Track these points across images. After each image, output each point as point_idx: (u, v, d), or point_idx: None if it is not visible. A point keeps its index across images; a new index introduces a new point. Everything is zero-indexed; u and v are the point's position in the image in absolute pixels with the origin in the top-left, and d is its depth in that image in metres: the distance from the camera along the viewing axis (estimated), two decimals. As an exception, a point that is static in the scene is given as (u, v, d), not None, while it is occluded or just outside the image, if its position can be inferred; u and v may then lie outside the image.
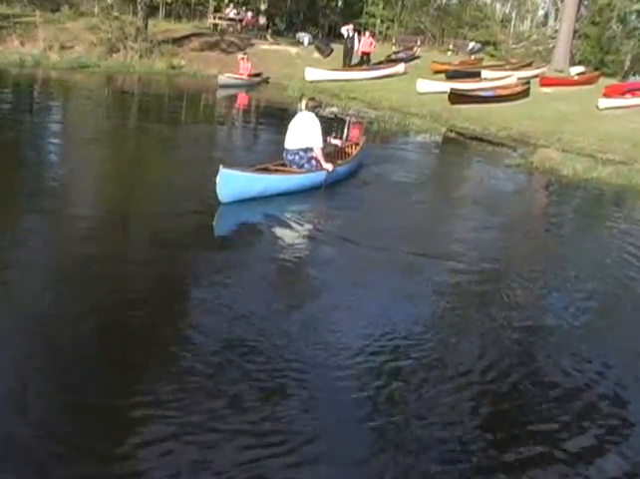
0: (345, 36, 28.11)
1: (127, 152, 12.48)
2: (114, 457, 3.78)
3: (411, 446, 4.19)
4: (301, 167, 9.79)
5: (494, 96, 22.38)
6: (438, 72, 26.53)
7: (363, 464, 4.02)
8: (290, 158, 9.83)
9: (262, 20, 36.23)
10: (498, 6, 53.82)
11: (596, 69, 35.74)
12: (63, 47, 24.54)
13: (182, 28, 31.27)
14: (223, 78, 23.27)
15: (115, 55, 25.29)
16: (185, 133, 14.66)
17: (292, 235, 8.15)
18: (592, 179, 13.30)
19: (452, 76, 25.33)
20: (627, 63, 42.38)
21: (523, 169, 14.04)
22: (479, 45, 39.41)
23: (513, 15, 52.55)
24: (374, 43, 29.48)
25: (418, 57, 31.57)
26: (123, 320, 5.43)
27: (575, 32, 35.19)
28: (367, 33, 30.45)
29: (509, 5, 53.12)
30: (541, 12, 53.73)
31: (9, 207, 7.93)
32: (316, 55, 29.81)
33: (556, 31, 37.73)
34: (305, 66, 26.10)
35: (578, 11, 34.33)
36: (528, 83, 23.80)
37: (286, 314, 5.82)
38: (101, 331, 5.18)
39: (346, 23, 30.68)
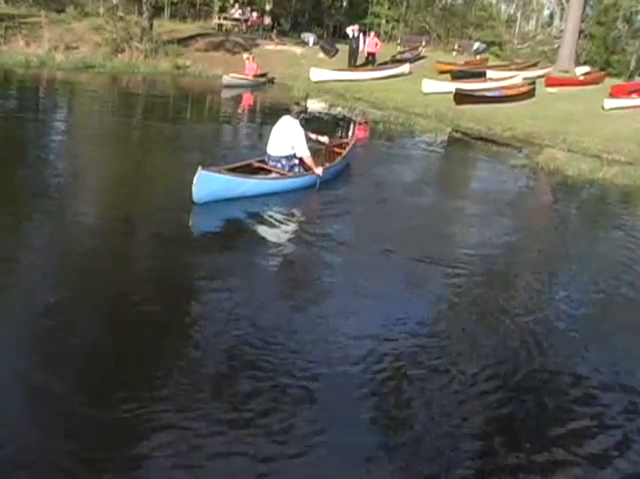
0: (350, 36, 28.12)
1: (130, 150, 12.49)
2: (116, 463, 3.80)
3: (417, 450, 4.20)
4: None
5: (500, 96, 22.36)
6: (443, 72, 26.49)
7: (369, 465, 4.03)
8: (272, 164, 9.83)
9: (267, 20, 36.24)
10: (504, 6, 53.82)
11: (602, 69, 35.69)
12: (68, 47, 24.55)
13: (187, 28, 31.27)
14: (228, 78, 23.27)
15: (120, 55, 25.29)
16: (189, 132, 14.68)
17: (295, 237, 8.13)
18: (598, 179, 13.29)
19: (457, 76, 25.30)
20: (633, 63, 42.25)
21: (529, 169, 14.03)
22: (484, 45, 39.35)
23: (519, 15, 52.44)
24: (379, 43, 29.45)
25: (423, 57, 31.52)
26: (127, 321, 5.45)
27: (581, 32, 35.14)
28: (372, 33, 30.45)
29: (515, 5, 53.05)
30: (547, 12, 53.68)
31: (13, 204, 7.97)
32: (321, 55, 29.80)
33: (562, 31, 37.66)
34: (310, 66, 26.10)
35: (584, 11, 34.29)
36: (534, 83, 23.76)
37: (291, 317, 5.81)
38: (105, 334, 5.19)
39: (351, 23, 30.72)
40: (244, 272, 6.69)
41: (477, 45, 38.81)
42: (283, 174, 9.74)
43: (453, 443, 4.27)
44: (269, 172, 9.78)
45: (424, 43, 35.35)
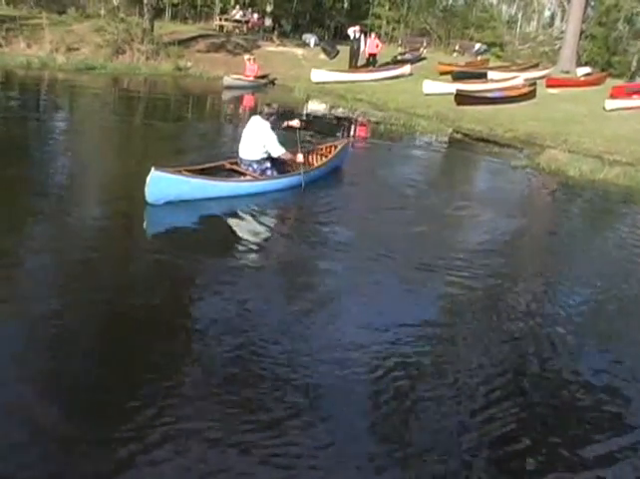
0: (351, 37, 28.11)
1: (130, 150, 12.55)
2: (122, 461, 3.80)
3: (425, 456, 4.18)
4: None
5: (501, 97, 22.36)
6: (444, 73, 26.50)
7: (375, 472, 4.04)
8: (244, 168, 9.65)
9: (268, 22, 36.31)
10: (505, 7, 53.83)
11: (603, 70, 35.75)
12: (69, 49, 24.59)
13: (188, 30, 31.31)
14: (229, 79, 23.28)
15: (121, 57, 25.33)
16: (190, 132, 14.76)
17: (293, 240, 8.10)
18: (599, 180, 13.29)
19: (458, 77, 25.29)
20: (634, 64, 42.26)
21: (530, 170, 14.00)
22: (484, 46, 39.40)
23: (520, 16, 52.53)
24: (380, 44, 29.48)
25: (424, 58, 31.56)
26: (128, 324, 5.45)
27: (582, 33, 35.16)
28: (373, 34, 30.45)
29: (516, 6, 53.08)
30: (548, 13, 53.75)
31: (15, 204, 8.01)
32: (322, 56, 29.81)
33: (563, 32, 37.71)
34: (311, 67, 26.12)
35: (585, 12, 34.31)
36: (535, 84, 23.76)
37: (293, 321, 5.78)
38: (109, 337, 5.22)
39: (352, 24, 30.72)
40: (246, 277, 6.67)
41: (477, 46, 38.85)
42: (254, 177, 9.52)
43: (461, 449, 4.26)
44: (242, 174, 9.58)
45: (425, 44, 35.40)
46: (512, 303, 6.69)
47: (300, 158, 9.85)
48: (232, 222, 8.35)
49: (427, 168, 14.24)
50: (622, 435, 4.58)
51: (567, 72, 30.02)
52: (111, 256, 6.93)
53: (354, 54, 27.96)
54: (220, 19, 34.60)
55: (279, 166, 9.97)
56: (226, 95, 22.74)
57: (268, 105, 10.01)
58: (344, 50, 28.94)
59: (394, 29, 45.29)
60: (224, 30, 33.31)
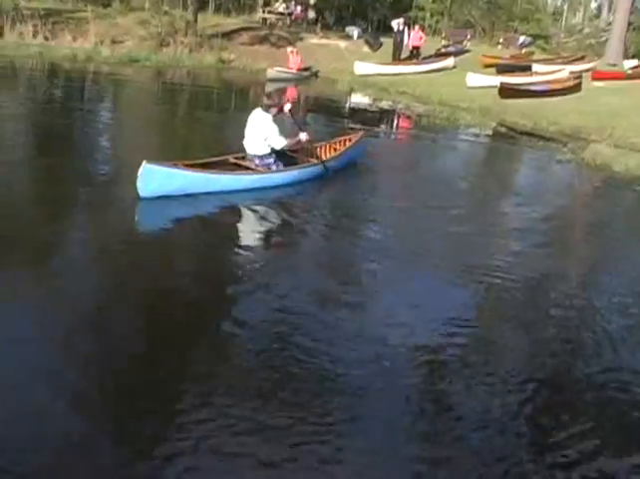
0: (395, 30, 28.05)
1: (173, 139, 12.90)
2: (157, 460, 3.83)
3: (462, 457, 4.15)
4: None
5: (546, 90, 22.11)
6: (488, 66, 26.28)
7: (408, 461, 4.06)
8: (249, 162, 9.45)
9: (311, 14, 36.23)
10: (550, -2, 53.11)
11: (651, 62, 35.05)
12: (114, 42, 25.00)
13: (232, 22, 31.52)
14: (272, 72, 23.44)
15: (165, 49, 25.67)
16: (232, 122, 14.85)
17: (328, 235, 8.10)
18: (646, 175, 13.09)
19: (502, 70, 25.06)
20: (683, 56, 41.39)
21: (574, 165, 13.88)
22: (529, 38, 38.88)
23: (565, 8, 51.76)
24: (423, 37, 29.35)
25: (467, 51, 31.31)
26: (163, 317, 5.54)
27: (629, 24, 34.47)
28: (417, 27, 30.32)
29: (562, -3, 52.35)
30: (594, 4, 52.86)
31: (60, 193, 8.28)
32: (365, 49, 29.78)
33: (609, 23, 37.09)
34: (354, 60, 26.15)
35: (633, 3, 33.62)
36: (580, 77, 23.41)
37: (330, 320, 5.74)
38: (145, 334, 5.28)
39: (396, 16, 30.60)
40: (283, 274, 6.65)
41: (522, 38, 38.36)
42: (259, 171, 9.31)
43: (501, 449, 4.26)
44: (247, 168, 9.34)
45: (468, 36, 35.13)
46: (557, 303, 6.62)
47: (304, 137, 9.58)
48: (268, 216, 8.36)
49: (470, 161, 14.22)
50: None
51: (614, 65, 29.52)
52: (152, 247, 7.10)
53: (397, 46, 27.90)
54: (264, 11, 34.70)
55: (286, 158, 9.75)
56: (270, 87, 22.81)
57: (268, 96, 9.56)
58: (387, 42, 28.90)
59: (437, 21, 44.94)
60: (267, 22, 33.43)
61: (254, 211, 8.37)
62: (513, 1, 48.91)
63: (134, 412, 4.17)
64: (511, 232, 9.02)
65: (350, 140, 11.29)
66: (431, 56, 28.58)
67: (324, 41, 30.75)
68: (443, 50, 30.25)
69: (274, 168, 9.42)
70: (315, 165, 9.96)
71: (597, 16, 50.57)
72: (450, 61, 27.43)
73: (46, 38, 23.96)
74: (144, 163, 7.94)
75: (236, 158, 9.51)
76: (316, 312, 5.78)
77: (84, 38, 24.48)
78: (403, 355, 5.14)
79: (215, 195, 8.56)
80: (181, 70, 24.12)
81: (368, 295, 6.35)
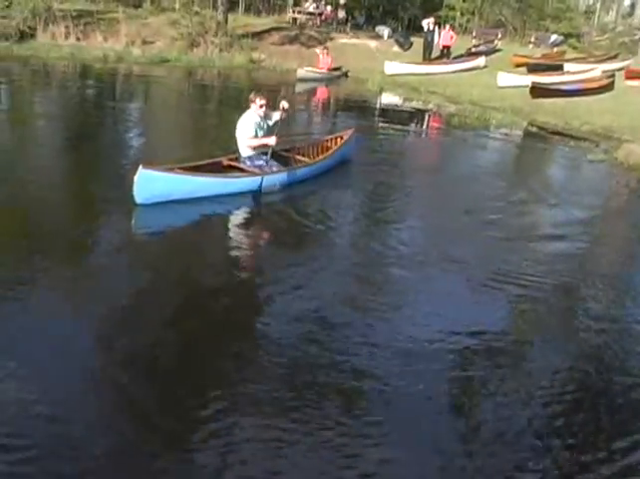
0: (425, 29, 27.93)
1: (202, 137, 13.22)
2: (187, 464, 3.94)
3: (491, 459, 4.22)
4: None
5: (578, 89, 21.89)
6: (519, 65, 26.06)
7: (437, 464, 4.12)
8: (241, 164, 9.42)
9: (341, 14, 36.20)
10: (582, -3, 52.57)
11: (685, 61, 34.55)
12: (145, 42, 25.26)
13: (262, 22, 31.63)
14: (302, 72, 23.50)
15: (195, 49, 25.87)
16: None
17: (356, 235, 8.21)
18: (680, 177, 12.94)
19: (533, 69, 24.85)
20: None
21: (607, 164, 13.77)
22: (561, 37, 38.49)
23: (598, 6, 51.12)
24: (454, 36, 29.20)
25: (498, 50, 31.07)
26: (193, 321, 5.62)
27: (664, 23, 34.07)
28: (447, 26, 30.18)
29: (594, -5, 51.79)
30: (627, 2, 52.18)
31: (90, 190, 8.47)
32: (395, 48, 29.70)
33: (643, 22, 36.65)
34: (384, 60, 26.10)
35: (667, 1, 33.22)
36: (613, 76, 23.15)
37: (361, 319, 5.83)
38: (175, 339, 5.34)
39: (426, 16, 30.47)
40: (306, 278, 6.70)
41: (554, 37, 37.99)
42: (253, 172, 9.22)
43: (529, 454, 4.28)
44: (241, 170, 9.29)
45: (499, 36, 34.87)
46: (589, 311, 6.59)
47: (272, 141, 9.23)
48: (288, 218, 8.45)
49: (501, 162, 14.16)
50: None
51: (647, 63, 29.18)
52: (183, 247, 7.21)
53: (428, 46, 27.77)
54: (294, 11, 34.74)
55: (279, 159, 9.75)
56: (300, 87, 22.93)
57: (257, 93, 9.40)
58: (417, 42, 28.78)
59: (468, 20, 44.64)
60: (297, 22, 33.46)
61: (265, 213, 8.63)
62: (545, 0, 48.50)
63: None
64: (545, 235, 8.98)
65: (341, 138, 11.36)
66: (461, 55, 28.45)
67: (354, 41, 30.70)
68: (473, 49, 30.07)
69: (267, 169, 9.31)
70: (308, 165, 10.03)
71: (630, 14, 49.97)
72: (480, 60, 27.28)
73: (78, 39, 24.35)
74: (140, 168, 7.87)
75: (230, 159, 9.47)
76: (344, 318, 5.82)
77: (115, 39, 24.79)
78: (432, 366, 5.15)
79: (216, 197, 8.62)
80: (212, 70, 24.29)
81: (396, 302, 6.35)
